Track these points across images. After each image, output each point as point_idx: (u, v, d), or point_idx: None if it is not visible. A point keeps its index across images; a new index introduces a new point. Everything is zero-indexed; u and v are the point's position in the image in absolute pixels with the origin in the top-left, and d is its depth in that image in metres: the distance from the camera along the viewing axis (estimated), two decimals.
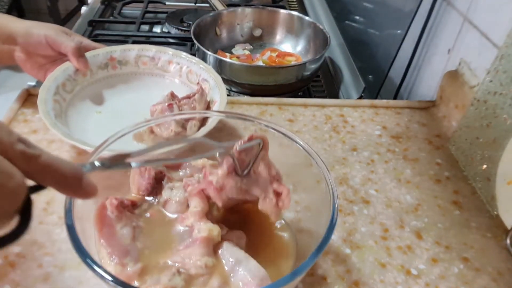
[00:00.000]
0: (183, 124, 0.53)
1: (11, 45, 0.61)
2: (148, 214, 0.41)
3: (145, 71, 0.68)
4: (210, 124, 0.52)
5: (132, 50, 0.67)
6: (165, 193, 0.42)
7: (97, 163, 0.31)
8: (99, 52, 0.65)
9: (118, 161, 0.32)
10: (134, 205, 0.41)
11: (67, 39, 0.60)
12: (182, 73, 0.66)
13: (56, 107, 0.57)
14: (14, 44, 0.61)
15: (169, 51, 0.67)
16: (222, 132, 0.58)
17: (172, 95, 0.59)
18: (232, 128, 0.59)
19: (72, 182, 0.29)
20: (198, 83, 0.63)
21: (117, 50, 0.66)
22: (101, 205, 0.38)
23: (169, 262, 0.37)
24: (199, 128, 0.54)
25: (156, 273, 0.36)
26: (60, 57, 0.63)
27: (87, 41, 0.66)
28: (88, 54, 0.64)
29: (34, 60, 0.63)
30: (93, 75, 0.65)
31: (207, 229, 0.38)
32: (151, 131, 0.52)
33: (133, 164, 0.32)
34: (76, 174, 0.29)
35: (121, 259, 0.36)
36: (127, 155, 0.32)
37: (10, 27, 0.60)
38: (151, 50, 0.67)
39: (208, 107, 0.59)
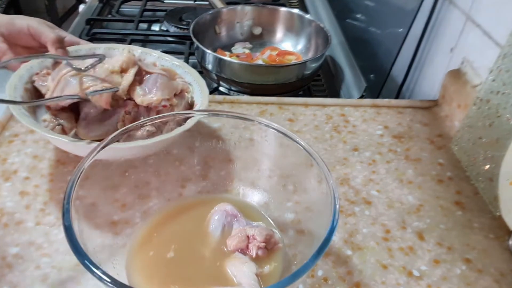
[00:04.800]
0: (159, 125, 0.52)
1: None
2: None
3: None
4: (188, 125, 0.50)
5: (116, 49, 0.64)
6: None
7: None
8: (82, 48, 0.63)
9: None
10: None
11: (48, 29, 0.60)
12: None
13: (26, 96, 0.55)
14: None
15: (154, 53, 0.65)
16: (221, 132, 0.58)
17: None
18: (232, 128, 0.58)
19: None
20: None
21: (101, 47, 0.64)
22: None
23: None
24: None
25: None
26: (42, 50, 0.61)
27: (70, 37, 0.64)
28: (70, 49, 0.61)
29: (15, 51, 0.61)
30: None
31: None
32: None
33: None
34: None
35: None
36: None
37: None
38: (136, 51, 0.65)
39: (191, 108, 0.58)
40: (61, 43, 0.60)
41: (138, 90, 0.53)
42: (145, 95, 0.53)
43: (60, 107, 0.53)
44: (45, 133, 0.48)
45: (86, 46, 0.64)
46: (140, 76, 0.55)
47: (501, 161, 0.49)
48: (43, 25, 0.60)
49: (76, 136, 0.54)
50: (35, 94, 0.57)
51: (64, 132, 0.53)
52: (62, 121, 0.54)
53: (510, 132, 0.51)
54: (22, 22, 0.59)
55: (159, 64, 0.64)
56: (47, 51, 0.60)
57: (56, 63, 0.60)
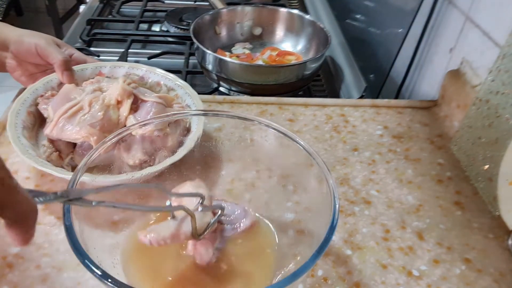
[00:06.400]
0: (152, 153, 0.52)
1: (4, 51, 0.61)
2: None
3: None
4: (178, 155, 0.50)
5: (122, 67, 0.65)
6: None
7: (59, 193, 0.31)
8: (88, 67, 0.64)
9: (79, 197, 0.32)
10: None
11: (56, 50, 0.60)
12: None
13: (28, 119, 0.56)
14: (7, 51, 0.61)
15: (158, 71, 0.65)
16: (221, 132, 0.58)
17: None
18: (232, 128, 0.59)
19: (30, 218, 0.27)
20: None
21: (107, 66, 0.65)
22: None
23: None
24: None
25: None
26: (50, 67, 0.62)
27: (78, 54, 0.65)
28: (76, 68, 0.62)
29: (24, 68, 0.62)
30: None
31: None
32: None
33: (94, 203, 0.33)
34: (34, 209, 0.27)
35: None
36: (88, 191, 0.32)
37: (4, 34, 0.61)
38: (141, 68, 0.65)
39: (187, 133, 0.57)
40: (67, 65, 0.60)
41: (132, 119, 0.53)
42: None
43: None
44: (34, 164, 0.49)
45: (92, 65, 0.64)
46: (135, 104, 0.55)
47: (501, 161, 0.50)
48: (51, 45, 0.60)
49: (72, 161, 0.54)
50: (39, 117, 0.58)
51: (60, 158, 0.54)
52: (60, 147, 0.54)
53: (509, 132, 0.51)
54: (30, 40, 0.60)
55: (163, 84, 0.64)
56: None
57: (61, 84, 0.60)
